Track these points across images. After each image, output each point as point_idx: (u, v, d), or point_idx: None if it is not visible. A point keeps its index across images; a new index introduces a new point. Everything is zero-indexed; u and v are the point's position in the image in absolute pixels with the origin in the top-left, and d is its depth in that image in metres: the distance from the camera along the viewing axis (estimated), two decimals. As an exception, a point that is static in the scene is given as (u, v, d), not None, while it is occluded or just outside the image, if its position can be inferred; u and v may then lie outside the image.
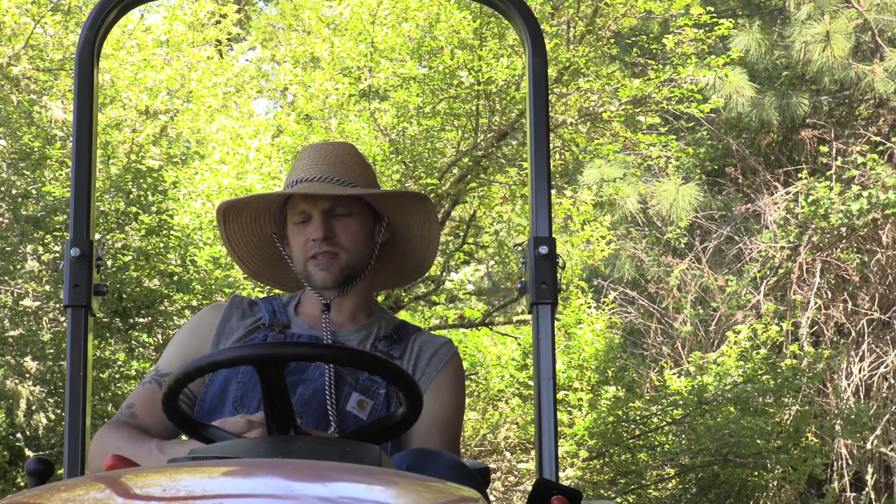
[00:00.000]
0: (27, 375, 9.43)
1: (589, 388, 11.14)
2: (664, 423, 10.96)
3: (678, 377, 11.44)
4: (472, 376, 11.64)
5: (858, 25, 11.83)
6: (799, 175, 12.59)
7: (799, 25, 11.82)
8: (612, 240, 12.02)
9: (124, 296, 9.09)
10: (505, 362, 11.54)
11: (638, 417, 10.95)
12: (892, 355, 12.18)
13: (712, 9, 11.13)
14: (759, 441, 10.51)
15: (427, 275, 11.80)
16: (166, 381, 2.34)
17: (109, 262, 9.04)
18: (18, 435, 9.59)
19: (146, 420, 2.86)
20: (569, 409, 10.98)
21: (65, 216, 8.81)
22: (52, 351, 9.24)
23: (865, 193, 11.66)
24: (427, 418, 2.74)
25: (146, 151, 10.22)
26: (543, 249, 2.98)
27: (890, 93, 11.99)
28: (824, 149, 12.62)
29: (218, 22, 13.31)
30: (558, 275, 2.99)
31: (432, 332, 3.23)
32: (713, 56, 10.97)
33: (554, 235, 3.02)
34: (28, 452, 9.51)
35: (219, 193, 10.26)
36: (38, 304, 9.38)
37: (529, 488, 4.63)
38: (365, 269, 3.00)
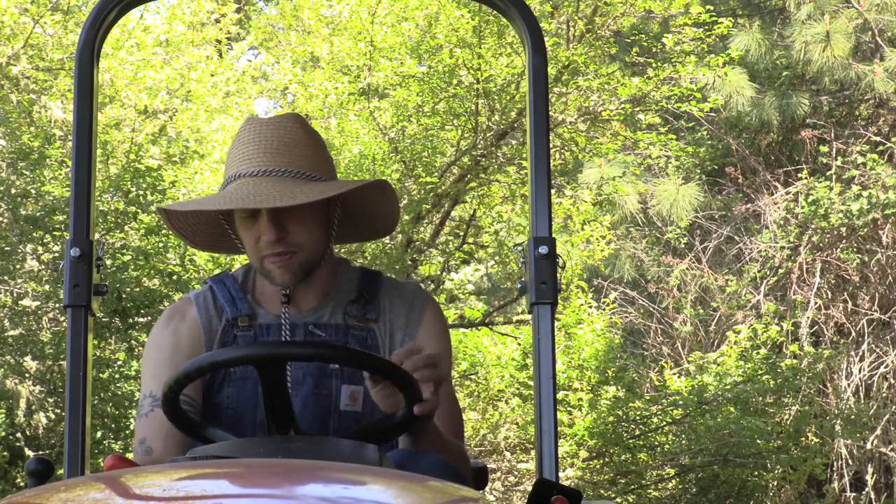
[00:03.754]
0: (27, 375, 9.42)
1: (589, 388, 11.13)
2: (664, 423, 10.96)
3: (678, 377, 11.43)
4: (472, 376, 11.63)
5: (858, 25, 11.83)
6: (799, 175, 12.59)
7: (799, 25, 11.82)
8: (612, 240, 12.01)
9: (124, 295, 9.08)
10: (505, 362, 11.53)
11: (638, 417, 10.95)
12: (892, 355, 12.18)
13: (712, 8, 11.12)
14: (759, 441, 10.50)
15: (427, 275, 11.81)
16: (166, 382, 2.33)
17: (109, 262, 9.03)
18: (18, 435, 9.58)
19: (162, 452, 2.66)
20: (569, 409, 10.97)
21: (64, 216, 8.81)
22: (51, 351, 9.23)
23: (865, 193, 11.66)
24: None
25: (145, 151, 10.21)
26: (543, 249, 2.97)
27: (890, 93, 11.99)
28: (824, 149, 12.62)
29: (217, 21, 13.29)
30: (558, 275, 2.98)
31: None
32: (713, 55, 10.97)
33: (554, 235, 3.01)
34: (28, 452, 9.50)
35: (218, 193, 10.24)
36: (37, 303, 9.37)
37: (529, 488, 4.63)
38: (324, 253, 2.77)
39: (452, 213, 11.70)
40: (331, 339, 2.76)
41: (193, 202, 2.96)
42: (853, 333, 12.41)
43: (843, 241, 12.38)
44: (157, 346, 2.80)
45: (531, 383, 9.94)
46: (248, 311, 2.79)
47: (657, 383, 11.79)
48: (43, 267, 9.43)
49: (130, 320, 9.39)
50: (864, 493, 12.13)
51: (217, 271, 9.73)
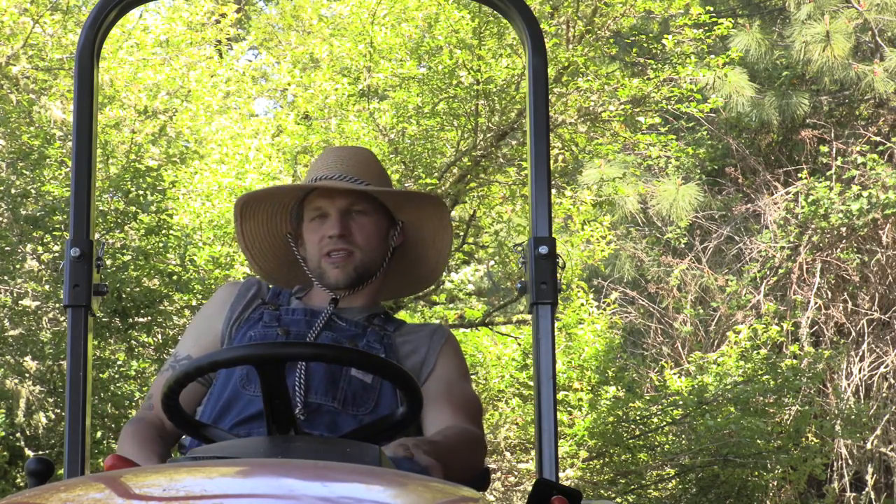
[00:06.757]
0: (27, 375, 9.42)
1: (589, 388, 11.13)
2: (664, 423, 10.96)
3: (678, 377, 11.43)
4: (472, 376, 11.62)
5: (858, 25, 11.83)
6: (799, 175, 12.59)
7: (799, 25, 11.82)
8: (612, 240, 12.01)
9: (124, 295, 9.08)
10: (505, 362, 11.52)
11: (638, 417, 10.95)
12: (892, 355, 12.18)
13: (711, 8, 11.12)
14: (759, 441, 10.50)
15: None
16: (166, 382, 2.33)
17: (109, 262, 9.03)
18: (18, 435, 9.58)
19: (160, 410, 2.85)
20: (569, 409, 10.97)
21: (64, 216, 8.80)
22: (51, 351, 9.22)
23: (865, 193, 11.66)
24: (446, 391, 2.88)
25: (145, 151, 10.21)
26: (543, 249, 2.98)
27: (890, 93, 11.99)
28: (824, 149, 12.62)
29: (217, 22, 13.28)
30: (558, 275, 2.99)
31: None
32: (713, 56, 10.97)
33: (554, 235, 3.02)
34: (28, 452, 9.50)
35: (218, 193, 10.25)
36: (37, 303, 9.37)
37: (529, 488, 4.63)
38: (377, 270, 3.02)
39: (452, 214, 11.70)
40: (349, 329, 2.94)
41: (274, 187, 3.29)
42: (853, 333, 12.41)
43: (843, 241, 12.38)
44: (200, 312, 3.09)
45: (531, 383, 9.94)
46: (286, 302, 3.02)
47: (657, 383, 11.79)
48: (43, 267, 9.43)
49: (130, 320, 9.39)
50: (864, 493, 12.13)
51: (216, 272, 9.73)
